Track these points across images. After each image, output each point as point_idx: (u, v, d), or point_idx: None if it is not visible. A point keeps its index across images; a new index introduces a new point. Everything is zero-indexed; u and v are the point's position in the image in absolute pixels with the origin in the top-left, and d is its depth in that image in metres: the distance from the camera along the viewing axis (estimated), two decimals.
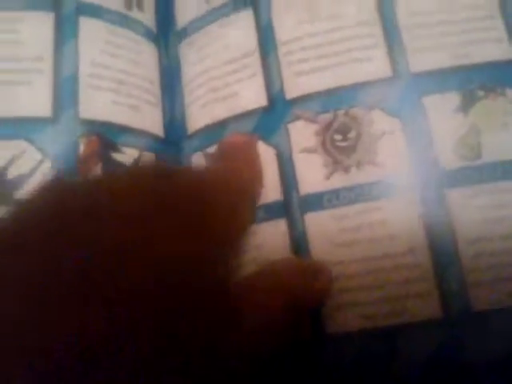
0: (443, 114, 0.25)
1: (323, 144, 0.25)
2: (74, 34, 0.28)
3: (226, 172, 0.22)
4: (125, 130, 0.28)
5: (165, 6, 0.32)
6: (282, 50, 0.27)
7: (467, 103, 0.25)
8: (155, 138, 0.29)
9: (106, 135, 0.27)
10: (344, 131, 0.25)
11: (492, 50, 0.25)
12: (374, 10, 0.26)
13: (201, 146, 0.28)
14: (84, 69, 0.28)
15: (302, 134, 0.26)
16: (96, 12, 0.29)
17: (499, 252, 0.23)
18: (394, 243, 0.24)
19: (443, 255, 0.23)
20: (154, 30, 0.31)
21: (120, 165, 0.27)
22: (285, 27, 0.27)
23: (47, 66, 0.27)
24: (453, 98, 0.25)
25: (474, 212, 0.23)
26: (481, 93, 0.25)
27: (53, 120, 0.26)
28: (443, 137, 0.24)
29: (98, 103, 0.28)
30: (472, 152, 0.24)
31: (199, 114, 0.29)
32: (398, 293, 0.23)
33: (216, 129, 0.28)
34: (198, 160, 0.28)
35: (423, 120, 0.25)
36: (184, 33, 0.31)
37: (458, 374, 0.22)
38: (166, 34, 0.32)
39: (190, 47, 0.30)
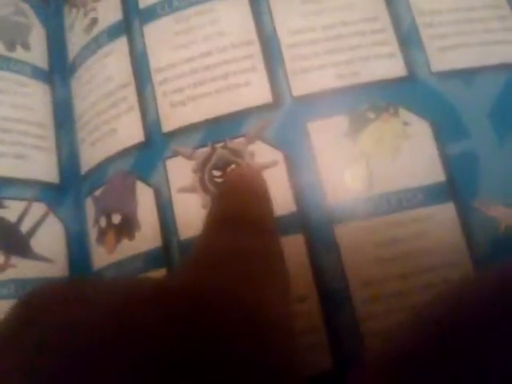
0: (330, 142, 0.22)
1: (201, 181, 0.23)
2: None
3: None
4: (9, 182, 0.26)
5: (56, 40, 0.30)
6: (157, 79, 0.24)
7: (356, 127, 0.22)
8: (47, 185, 0.27)
9: None
10: (223, 166, 0.23)
11: (383, 67, 0.22)
12: (251, 28, 0.24)
13: (90, 189, 0.26)
14: None
15: (180, 171, 0.23)
16: None
17: (395, 294, 0.20)
18: None
19: (334, 301, 0.20)
20: (46, 67, 0.29)
21: (2, 221, 0.26)
22: (159, 54, 0.25)
23: None
24: (341, 123, 0.22)
25: (366, 250, 0.21)
26: (371, 115, 0.22)
27: None
28: (330, 167, 0.22)
29: None
30: (361, 184, 0.21)
31: (89, 154, 0.27)
32: None
33: (99, 170, 0.26)
34: (89, 205, 0.26)
35: (308, 149, 0.22)
36: (73, 67, 0.29)
37: None
38: (61, 69, 0.30)
39: (78, 81, 0.28)
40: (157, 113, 0.24)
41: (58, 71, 0.30)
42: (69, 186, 0.28)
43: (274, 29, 0.23)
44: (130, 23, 0.26)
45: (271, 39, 0.23)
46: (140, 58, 0.25)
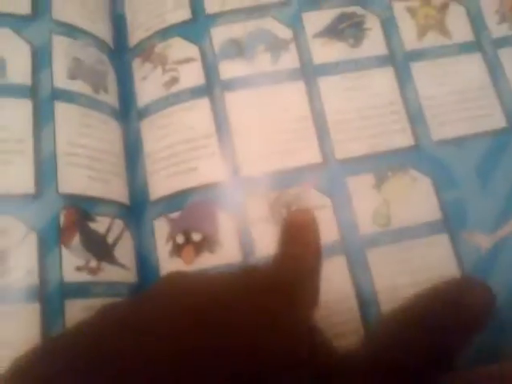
0: (362, 192, 0.32)
1: (273, 216, 0.31)
2: (51, 117, 0.32)
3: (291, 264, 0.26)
4: (97, 200, 0.32)
5: (125, 87, 0.36)
6: (237, 135, 0.33)
7: (380, 182, 0.32)
8: (122, 206, 0.33)
9: (82, 207, 0.31)
10: (288, 206, 0.31)
11: (398, 139, 0.33)
12: (306, 107, 0.33)
13: (163, 212, 0.33)
14: (62, 148, 0.32)
15: (257, 206, 0.32)
16: (69, 97, 0.33)
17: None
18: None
19: (366, 302, 0.30)
20: (118, 107, 0.36)
21: (95, 233, 0.31)
22: (238, 116, 0.33)
23: (28, 147, 0.31)
24: (369, 179, 0.32)
25: (388, 266, 0.31)
26: (390, 173, 0.32)
27: (36, 196, 0.30)
28: (363, 209, 0.32)
29: (75, 178, 0.31)
30: (384, 221, 0.31)
31: (162, 184, 0.34)
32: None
33: (178, 198, 0.33)
34: (160, 224, 0.33)
35: (347, 197, 0.32)
36: (145, 112, 0.35)
37: None
38: (127, 111, 0.36)
39: (151, 125, 0.35)
40: (236, 160, 0.32)
41: (125, 112, 0.36)
42: (136, 208, 0.34)
43: (323, 109, 0.33)
44: (212, 88, 0.34)
45: (320, 116, 0.33)
46: (221, 117, 0.33)
